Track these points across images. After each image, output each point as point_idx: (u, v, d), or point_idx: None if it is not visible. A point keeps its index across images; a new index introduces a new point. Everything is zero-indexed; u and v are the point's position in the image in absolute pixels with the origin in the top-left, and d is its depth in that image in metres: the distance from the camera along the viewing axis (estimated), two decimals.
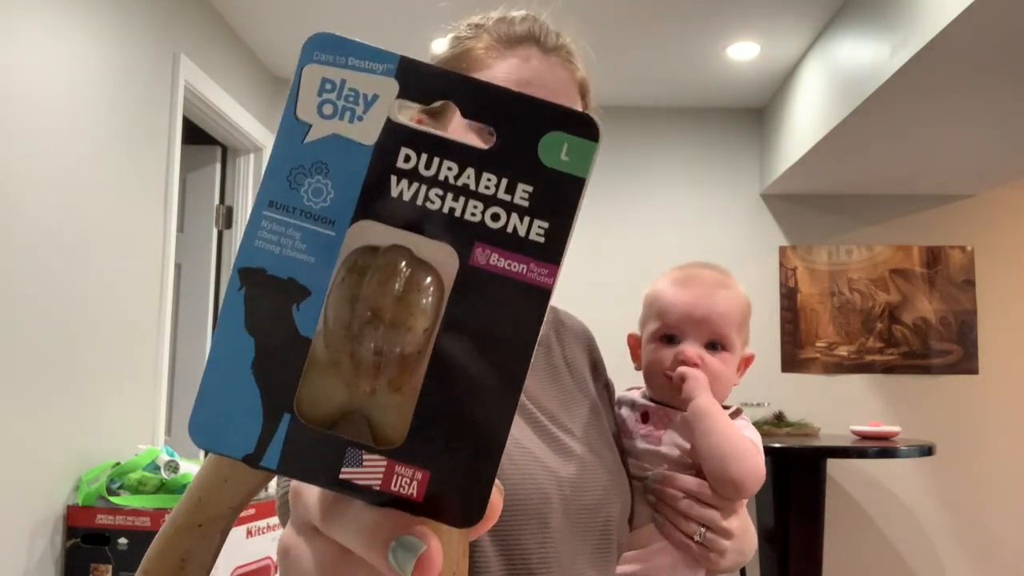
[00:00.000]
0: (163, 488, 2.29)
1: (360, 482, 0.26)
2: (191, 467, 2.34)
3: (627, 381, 1.10)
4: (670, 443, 0.96)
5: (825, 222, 4.29)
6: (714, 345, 0.99)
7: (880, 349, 4.21)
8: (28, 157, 2.10)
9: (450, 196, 0.27)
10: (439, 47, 0.92)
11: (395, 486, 0.26)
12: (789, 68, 3.78)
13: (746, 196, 4.31)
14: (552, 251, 0.27)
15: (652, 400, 1.01)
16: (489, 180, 0.27)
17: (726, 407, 0.99)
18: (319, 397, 0.26)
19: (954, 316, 4.22)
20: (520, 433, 0.85)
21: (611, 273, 4.08)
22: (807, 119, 3.55)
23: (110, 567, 2.21)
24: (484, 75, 0.85)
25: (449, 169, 0.27)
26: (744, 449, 0.90)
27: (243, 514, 2.30)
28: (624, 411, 1.04)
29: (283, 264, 0.27)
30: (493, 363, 0.26)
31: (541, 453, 0.85)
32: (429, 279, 0.27)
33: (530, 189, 0.27)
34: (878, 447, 3.43)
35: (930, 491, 4.13)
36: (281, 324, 0.27)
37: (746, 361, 1.03)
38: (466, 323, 0.26)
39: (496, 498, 0.27)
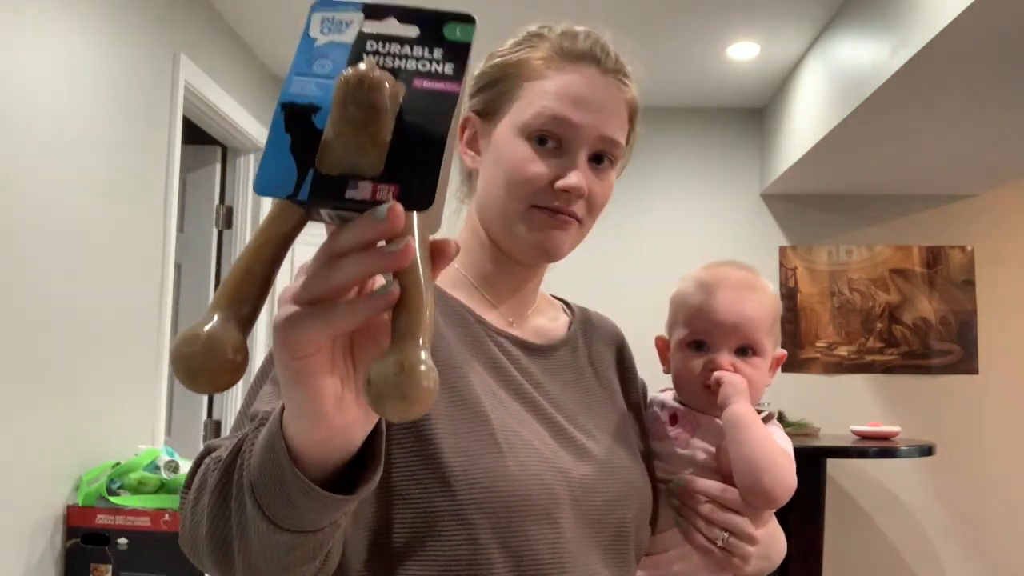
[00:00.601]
0: (163, 488, 2.29)
1: (357, 197, 0.44)
2: None
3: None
4: (698, 447, 0.96)
5: (825, 222, 4.29)
6: (745, 350, 0.97)
7: (880, 349, 4.21)
8: (28, 157, 2.10)
9: (398, 60, 0.48)
10: (502, 48, 0.95)
11: (378, 196, 0.44)
12: (789, 68, 3.78)
13: (746, 196, 4.31)
14: (456, 77, 0.47)
15: (681, 403, 1.01)
16: (418, 50, 0.48)
17: (759, 410, 0.98)
18: (330, 158, 0.45)
19: (954, 316, 4.22)
20: (532, 434, 0.85)
21: (611, 273, 4.08)
22: (807, 119, 3.55)
23: (110, 567, 2.21)
24: (537, 85, 0.88)
25: (396, 47, 0.48)
26: (778, 460, 0.90)
27: None
28: (654, 412, 1.03)
29: (305, 97, 0.48)
30: (429, 120, 0.46)
31: (552, 454, 0.85)
32: (389, 84, 0.45)
33: (441, 51, 0.48)
34: (878, 447, 3.43)
35: (930, 491, 4.13)
36: (305, 124, 0.47)
37: (777, 360, 1.02)
38: (415, 107, 0.46)
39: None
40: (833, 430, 3.96)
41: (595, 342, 1.02)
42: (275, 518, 0.55)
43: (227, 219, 3.70)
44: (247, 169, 3.75)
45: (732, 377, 0.94)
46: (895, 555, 4.12)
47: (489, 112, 0.92)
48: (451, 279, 0.94)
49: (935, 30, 2.31)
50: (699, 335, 0.98)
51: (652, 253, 4.17)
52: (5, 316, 2.02)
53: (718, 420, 0.95)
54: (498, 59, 0.93)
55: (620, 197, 4.82)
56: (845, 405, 4.12)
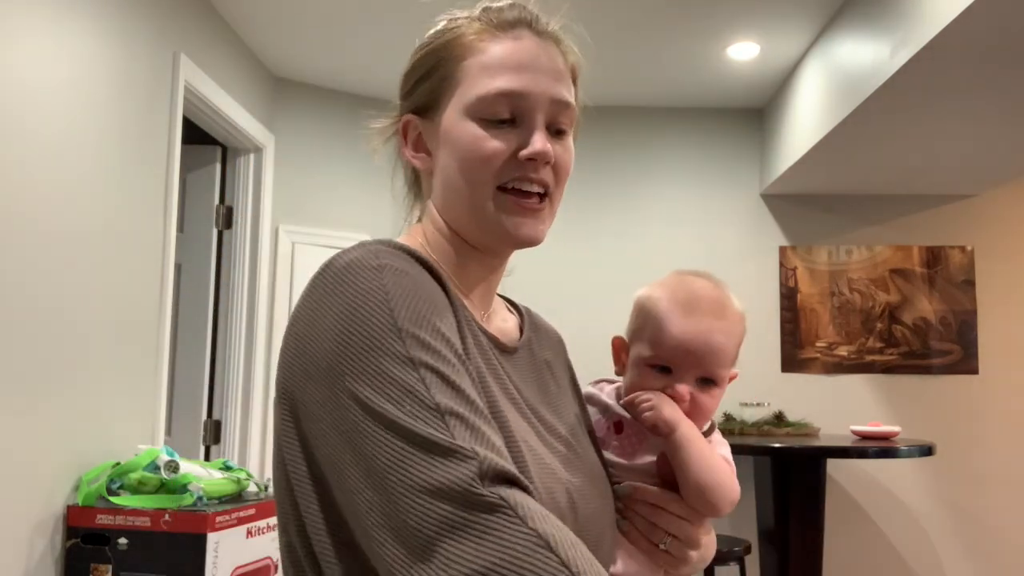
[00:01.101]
0: (163, 488, 2.29)
1: None
2: (191, 467, 2.34)
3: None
4: (646, 459, 0.95)
5: (825, 222, 4.29)
6: (707, 380, 0.96)
7: (880, 349, 4.21)
8: (28, 157, 2.10)
9: None
10: (426, 38, 0.89)
11: None
12: (789, 68, 3.78)
13: (746, 196, 4.31)
14: None
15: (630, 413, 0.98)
16: None
17: (709, 427, 1.00)
18: None
19: (954, 316, 4.22)
20: (536, 444, 0.81)
21: (611, 273, 4.08)
22: (807, 119, 3.55)
23: (110, 567, 2.21)
24: (476, 61, 0.83)
25: None
26: (724, 477, 0.92)
27: (243, 514, 2.30)
28: (595, 414, 1.01)
29: None
30: None
31: (552, 464, 0.81)
32: None
33: None
34: (878, 447, 3.43)
35: (930, 491, 4.13)
36: None
37: (731, 378, 1.01)
38: None
39: None
40: (833, 430, 3.96)
41: (543, 343, 0.99)
42: None
43: (227, 219, 3.70)
44: (247, 169, 3.75)
45: (672, 407, 0.93)
46: (895, 555, 4.12)
47: (430, 106, 0.86)
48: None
49: (935, 30, 2.31)
50: (664, 360, 0.95)
51: (652, 253, 4.17)
52: (5, 316, 2.02)
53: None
54: (427, 48, 0.88)
55: (619, 197, 4.84)
56: (845, 405, 4.12)
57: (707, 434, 0.97)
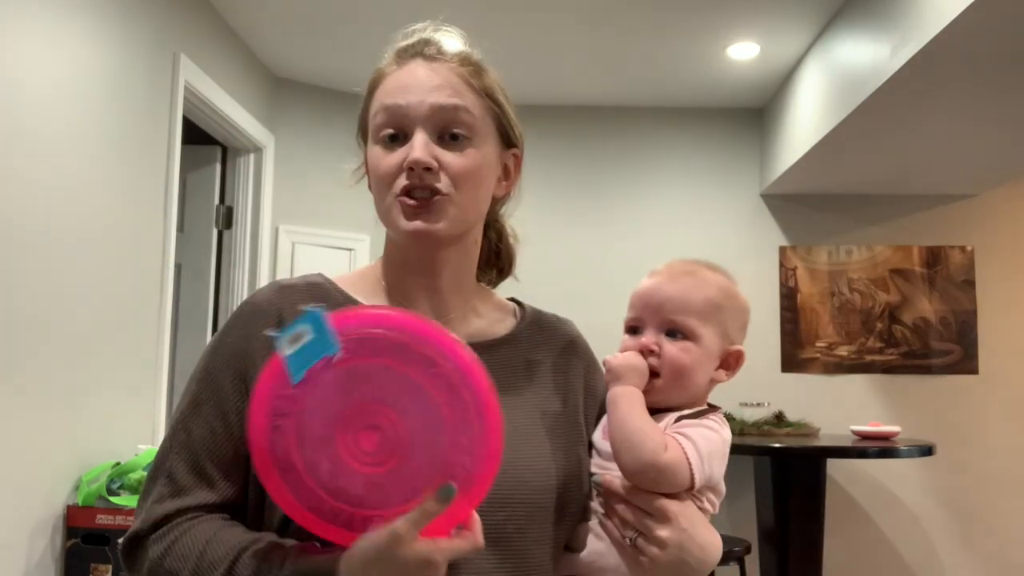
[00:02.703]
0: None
1: None
2: None
3: None
4: None
5: (825, 222, 4.29)
6: (674, 333, 0.97)
7: (880, 349, 4.21)
8: (28, 157, 2.10)
9: None
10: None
11: None
12: (789, 68, 3.78)
13: (746, 196, 4.31)
14: None
15: None
16: None
17: (711, 407, 0.98)
18: None
19: (954, 316, 4.22)
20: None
21: (610, 273, 4.08)
22: (807, 119, 3.55)
23: (110, 567, 2.22)
24: (378, 90, 0.96)
25: None
26: (642, 437, 0.88)
27: None
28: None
29: None
30: None
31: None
32: None
33: None
34: (878, 447, 3.43)
35: (930, 491, 4.13)
36: None
37: (734, 356, 1.00)
38: None
39: None
40: (833, 430, 3.96)
41: (538, 344, 1.03)
42: None
43: (227, 219, 3.70)
44: (247, 169, 3.75)
45: (616, 361, 0.95)
46: (895, 555, 4.12)
47: (365, 133, 0.98)
48: (368, 286, 0.99)
49: (935, 30, 2.31)
50: (633, 319, 1.00)
51: (652, 253, 4.16)
52: (4, 316, 2.02)
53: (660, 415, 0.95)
54: (364, 84, 1.00)
55: (619, 197, 4.84)
56: (845, 405, 4.12)
57: (698, 415, 0.95)
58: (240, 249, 3.69)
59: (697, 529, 0.89)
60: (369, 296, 0.98)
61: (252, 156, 3.75)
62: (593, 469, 0.98)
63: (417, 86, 0.92)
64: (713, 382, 1.00)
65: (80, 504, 2.25)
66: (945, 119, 3.09)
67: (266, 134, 3.80)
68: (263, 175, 3.77)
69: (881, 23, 2.74)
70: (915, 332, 4.22)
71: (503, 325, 1.03)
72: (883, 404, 4.17)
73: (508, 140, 0.99)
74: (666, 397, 0.96)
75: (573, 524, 0.95)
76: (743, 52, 3.60)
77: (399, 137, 0.92)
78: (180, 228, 3.28)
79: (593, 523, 0.95)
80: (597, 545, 0.93)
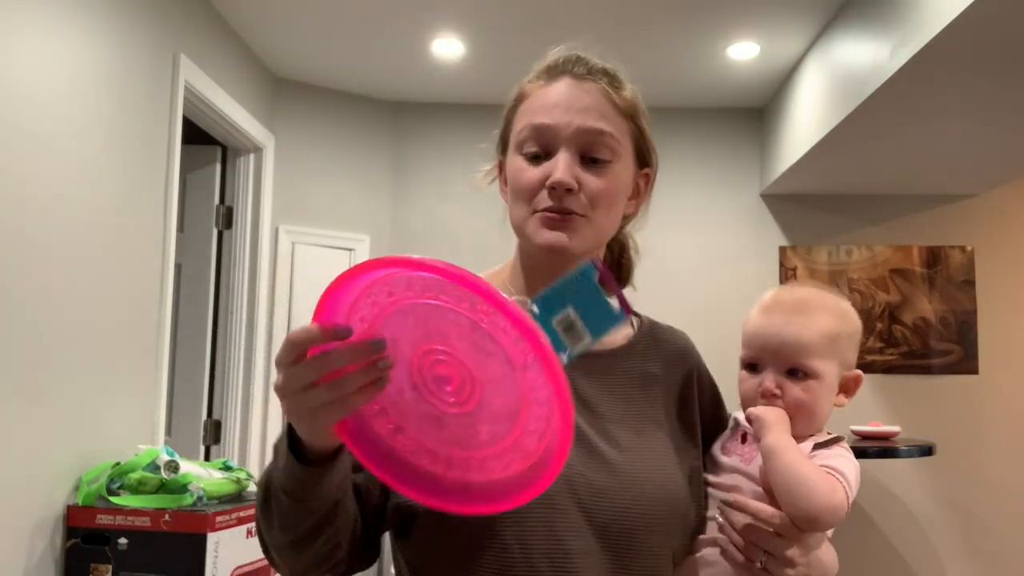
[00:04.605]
0: (163, 488, 2.29)
1: None
2: (191, 467, 2.34)
3: None
4: (759, 466, 0.96)
5: (825, 222, 4.29)
6: (795, 372, 0.98)
7: (880, 349, 4.21)
8: (28, 157, 2.10)
9: None
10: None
11: None
12: (789, 68, 3.78)
13: (746, 196, 4.31)
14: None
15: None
16: None
17: (831, 439, 0.99)
18: None
19: (954, 316, 4.22)
20: None
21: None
22: (807, 119, 3.55)
23: (110, 567, 2.22)
24: (523, 107, 0.98)
25: None
26: (814, 483, 0.89)
27: (243, 514, 2.30)
28: (730, 429, 1.04)
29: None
30: None
31: (571, 455, 0.87)
32: None
33: None
34: (878, 447, 3.43)
35: (930, 491, 4.13)
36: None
37: (854, 380, 1.04)
38: None
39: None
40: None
41: (655, 356, 1.04)
42: (293, 494, 0.78)
43: (227, 219, 3.70)
44: (247, 169, 3.75)
45: (761, 411, 0.96)
46: (895, 555, 4.12)
47: (504, 146, 1.02)
48: (497, 288, 0.98)
49: (935, 30, 2.31)
50: (752, 358, 1.01)
51: (652, 253, 4.15)
52: (5, 316, 2.02)
53: None
54: (509, 96, 1.02)
55: None
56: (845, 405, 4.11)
57: (829, 444, 0.97)
58: (240, 249, 3.69)
59: (822, 547, 0.92)
60: None
61: (252, 156, 3.75)
62: (710, 481, 0.99)
63: (565, 106, 0.94)
64: (834, 406, 1.02)
65: (80, 504, 2.25)
66: (945, 119, 3.09)
67: (266, 134, 3.80)
68: (263, 175, 3.77)
69: (881, 23, 2.74)
70: (915, 332, 4.21)
71: (620, 335, 1.05)
72: (883, 404, 4.17)
73: (643, 160, 1.02)
74: (793, 432, 0.97)
75: (691, 536, 0.96)
76: (743, 52, 3.60)
77: (541, 155, 0.94)
78: (180, 228, 3.28)
79: (706, 537, 0.95)
80: (713, 557, 0.93)
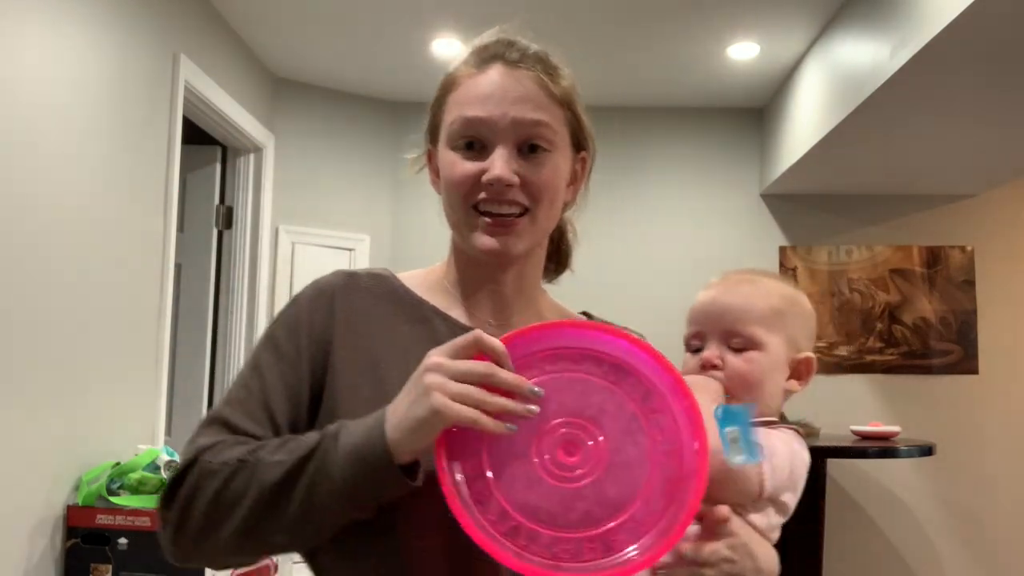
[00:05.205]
0: (163, 488, 2.29)
1: None
2: None
3: None
4: None
5: (825, 222, 4.29)
6: (736, 344, 0.93)
7: (880, 349, 4.21)
8: (28, 157, 2.10)
9: None
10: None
11: None
12: (789, 68, 3.78)
13: (746, 196, 4.31)
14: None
15: None
16: None
17: (774, 421, 0.93)
18: None
19: (954, 316, 4.22)
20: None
21: (610, 273, 4.08)
22: (807, 119, 3.55)
23: (110, 567, 2.22)
24: (454, 96, 0.93)
25: None
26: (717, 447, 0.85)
27: None
28: None
29: None
30: None
31: None
32: None
33: None
34: (878, 447, 3.43)
35: (930, 491, 4.13)
36: None
37: (804, 364, 0.96)
38: None
39: None
40: (833, 430, 3.96)
41: None
42: (360, 502, 0.77)
43: (227, 219, 3.70)
44: (247, 169, 3.75)
45: (690, 379, 0.88)
46: (895, 555, 4.12)
47: (434, 136, 0.97)
48: (432, 285, 0.99)
49: (935, 31, 2.31)
50: (693, 336, 0.97)
51: (652, 253, 4.17)
52: (5, 316, 2.02)
53: None
54: (436, 86, 0.98)
55: (619, 197, 4.83)
56: (845, 405, 4.12)
57: (770, 425, 0.91)
58: (240, 249, 3.69)
59: (754, 544, 0.84)
60: (433, 294, 0.98)
61: (252, 156, 3.75)
62: None
63: (499, 96, 0.90)
64: (786, 392, 0.97)
65: (80, 504, 2.25)
66: (945, 119, 3.09)
67: (266, 134, 3.80)
68: (263, 175, 3.77)
69: (881, 23, 2.74)
70: (915, 332, 4.21)
71: None
72: (883, 404, 4.17)
73: (578, 145, 0.98)
74: None
75: None
76: (743, 52, 3.60)
77: (475, 145, 0.91)
78: (180, 228, 3.28)
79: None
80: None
